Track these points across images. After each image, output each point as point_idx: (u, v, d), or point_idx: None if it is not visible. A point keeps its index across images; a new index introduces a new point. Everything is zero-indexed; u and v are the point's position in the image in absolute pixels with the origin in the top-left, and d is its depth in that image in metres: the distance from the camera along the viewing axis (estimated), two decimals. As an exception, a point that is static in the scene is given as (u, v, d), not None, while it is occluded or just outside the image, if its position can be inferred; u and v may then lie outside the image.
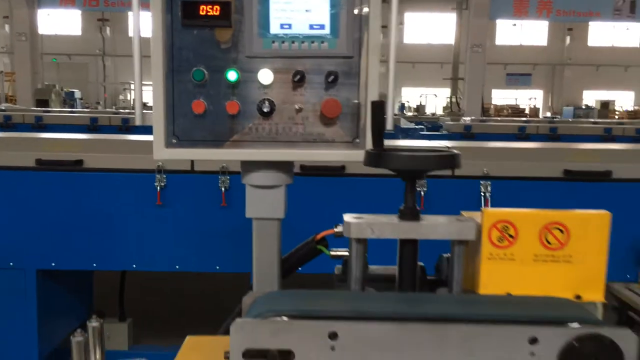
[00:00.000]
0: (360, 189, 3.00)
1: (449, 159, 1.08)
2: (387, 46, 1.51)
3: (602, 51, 30.75)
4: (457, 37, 21.00)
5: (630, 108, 29.07)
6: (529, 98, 30.40)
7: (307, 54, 1.33)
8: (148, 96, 1.49)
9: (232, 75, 1.31)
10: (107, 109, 18.32)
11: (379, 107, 1.14)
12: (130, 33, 1.39)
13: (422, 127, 8.55)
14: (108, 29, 30.69)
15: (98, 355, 1.36)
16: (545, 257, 1.10)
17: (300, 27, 1.32)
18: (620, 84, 32.06)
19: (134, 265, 3.02)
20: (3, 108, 11.14)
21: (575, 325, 0.95)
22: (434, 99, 27.71)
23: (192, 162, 3.02)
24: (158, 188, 2.97)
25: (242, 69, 1.32)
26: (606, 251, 1.09)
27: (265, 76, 1.32)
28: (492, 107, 25.95)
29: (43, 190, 2.99)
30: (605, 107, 26.97)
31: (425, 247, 1.24)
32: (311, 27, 1.32)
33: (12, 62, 23.87)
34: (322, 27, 1.32)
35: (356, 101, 1.35)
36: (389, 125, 1.27)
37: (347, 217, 1.14)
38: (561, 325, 0.95)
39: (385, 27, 1.48)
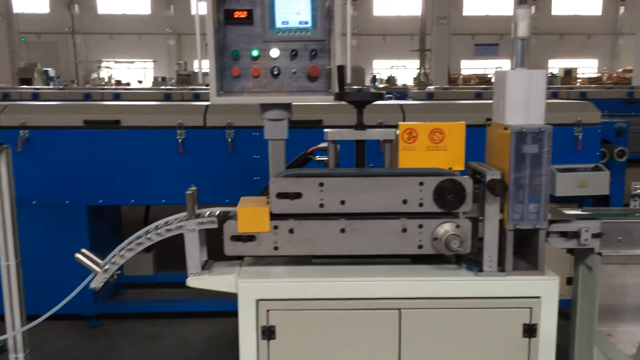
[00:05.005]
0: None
1: (377, 95, 2.02)
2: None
3: (565, 20, 31.19)
4: (423, 9, 21.58)
5: (593, 75, 30.06)
6: (496, 68, 31.24)
7: (298, 39, 2.21)
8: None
9: (255, 53, 2.20)
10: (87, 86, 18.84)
11: (340, 69, 2.07)
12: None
13: (391, 96, 9.51)
14: (76, 6, 30.60)
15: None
16: (433, 148, 2.03)
17: (294, 23, 2.20)
18: (584, 52, 32.97)
19: (163, 200, 3.91)
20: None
21: (443, 176, 1.89)
22: (406, 71, 28.33)
23: (205, 119, 3.90)
24: (179, 140, 3.85)
25: (260, 49, 2.20)
26: (464, 144, 2.03)
27: (275, 52, 2.20)
28: (460, 77, 26.72)
29: (89, 144, 3.84)
30: (569, 74, 27.72)
31: (371, 153, 2.17)
32: (300, 22, 2.20)
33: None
34: (306, 22, 2.20)
35: (328, 67, 2.25)
36: (348, 79, 2.17)
37: (326, 130, 2.07)
38: (436, 176, 1.90)
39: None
